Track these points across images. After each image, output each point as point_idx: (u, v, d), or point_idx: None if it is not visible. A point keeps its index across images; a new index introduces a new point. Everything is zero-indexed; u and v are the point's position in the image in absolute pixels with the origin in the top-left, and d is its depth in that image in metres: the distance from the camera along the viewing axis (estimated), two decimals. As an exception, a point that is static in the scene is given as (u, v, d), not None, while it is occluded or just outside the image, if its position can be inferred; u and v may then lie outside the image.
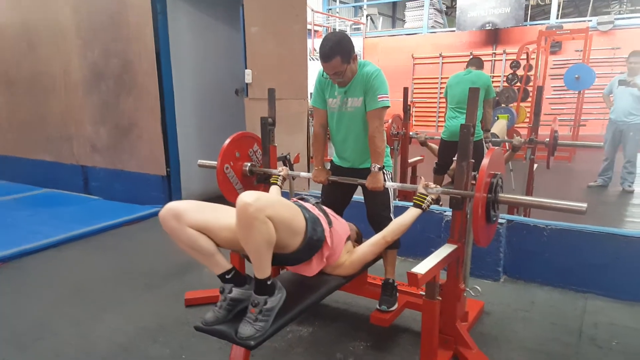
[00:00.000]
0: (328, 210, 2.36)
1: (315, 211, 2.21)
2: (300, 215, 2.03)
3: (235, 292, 1.93)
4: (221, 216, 1.97)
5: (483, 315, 2.92)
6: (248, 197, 1.73)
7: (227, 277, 1.96)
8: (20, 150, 6.41)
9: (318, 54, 2.38)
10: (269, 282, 1.88)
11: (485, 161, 2.12)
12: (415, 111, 11.69)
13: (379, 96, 2.42)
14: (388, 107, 2.46)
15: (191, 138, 5.29)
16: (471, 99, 2.29)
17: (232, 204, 2.91)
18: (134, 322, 2.85)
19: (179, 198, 5.18)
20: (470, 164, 2.27)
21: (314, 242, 2.08)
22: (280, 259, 2.06)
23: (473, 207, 2.12)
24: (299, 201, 2.28)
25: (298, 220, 2.01)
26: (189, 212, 1.91)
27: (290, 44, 4.05)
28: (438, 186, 2.36)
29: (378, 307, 2.58)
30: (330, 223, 2.24)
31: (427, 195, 2.33)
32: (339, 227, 2.31)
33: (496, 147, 2.28)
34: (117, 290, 3.31)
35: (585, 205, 2.06)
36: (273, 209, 1.80)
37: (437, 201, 2.39)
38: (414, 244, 3.50)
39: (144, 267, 3.71)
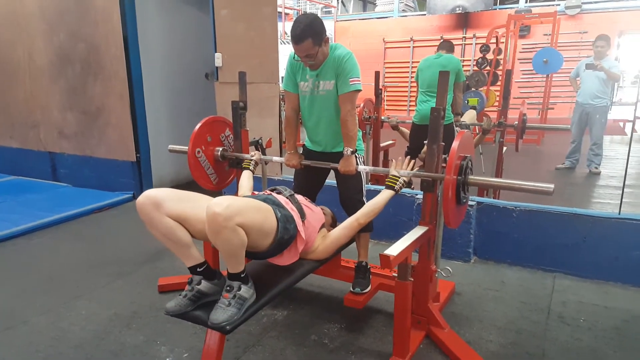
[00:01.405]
0: (302, 200, 2.36)
1: (289, 206, 2.20)
2: (271, 216, 2.01)
3: (204, 285, 1.93)
4: (199, 207, 1.93)
5: (454, 295, 2.99)
6: (217, 206, 1.70)
7: (198, 269, 1.96)
8: (-16, 137, 6.21)
9: (289, 37, 2.36)
10: (242, 275, 1.89)
11: (455, 144, 2.15)
12: (387, 95, 11.70)
13: (350, 79, 2.41)
14: (360, 90, 2.46)
15: (161, 123, 5.22)
16: (441, 83, 2.31)
17: (204, 190, 2.91)
18: (107, 309, 2.82)
19: (150, 184, 5.12)
20: (441, 146, 2.29)
21: (284, 241, 2.09)
22: (252, 255, 2.09)
23: (443, 189, 2.15)
24: (272, 194, 2.27)
25: (269, 222, 1.99)
26: (168, 201, 1.89)
27: (260, 27, 3.99)
28: (409, 169, 2.38)
29: (352, 290, 2.60)
30: (303, 216, 2.24)
31: (399, 177, 2.36)
32: (312, 218, 2.32)
33: (466, 131, 2.30)
34: (89, 277, 3.27)
35: (552, 186, 2.11)
36: (243, 217, 1.77)
37: (408, 184, 2.41)
38: (386, 227, 3.54)
39: (116, 253, 3.66)
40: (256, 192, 2.37)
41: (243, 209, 1.80)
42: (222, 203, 1.71)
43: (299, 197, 2.38)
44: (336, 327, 2.62)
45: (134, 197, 5.07)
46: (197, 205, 1.94)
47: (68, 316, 2.76)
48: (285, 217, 2.10)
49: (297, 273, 2.25)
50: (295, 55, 2.44)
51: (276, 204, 2.14)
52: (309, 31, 2.29)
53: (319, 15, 12.59)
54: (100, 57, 4.89)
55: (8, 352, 2.43)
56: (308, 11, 12.93)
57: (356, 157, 2.55)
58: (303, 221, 2.22)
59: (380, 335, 2.55)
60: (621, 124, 8.80)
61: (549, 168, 6.48)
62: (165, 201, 1.88)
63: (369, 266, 2.70)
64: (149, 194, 1.89)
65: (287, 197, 2.27)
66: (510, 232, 3.36)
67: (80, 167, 5.39)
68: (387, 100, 11.50)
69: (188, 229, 1.95)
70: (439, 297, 2.75)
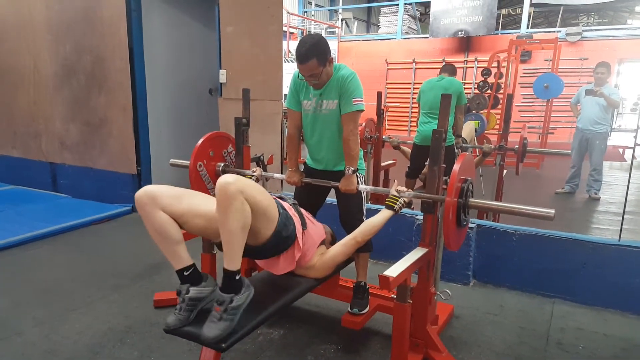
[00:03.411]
0: (305, 213, 2.36)
1: (291, 211, 2.21)
2: (274, 205, 2.05)
3: (193, 291, 1.92)
4: (196, 203, 1.99)
5: (453, 318, 2.96)
6: (229, 177, 1.77)
7: (185, 273, 1.96)
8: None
9: (294, 56, 2.38)
10: (237, 277, 1.85)
11: (456, 166, 2.15)
12: (388, 115, 11.80)
13: (353, 100, 2.43)
14: (362, 110, 2.48)
15: (163, 137, 5.22)
16: (443, 106, 2.33)
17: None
18: (101, 323, 2.79)
19: (150, 198, 5.09)
20: (442, 168, 2.30)
21: (282, 238, 2.08)
22: (249, 251, 2.02)
23: (444, 211, 2.14)
24: (277, 199, 2.27)
25: (272, 208, 2.01)
26: (164, 196, 1.92)
27: (265, 44, 4.04)
28: (410, 190, 2.39)
29: (349, 310, 2.58)
30: (304, 225, 2.24)
31: (399, 198, 2.35)
32: (313, 232, 2.32)
33: (467, 153, 2.31)
34: (85, 290, 3.24)
35: (552, 211, 2.10)
36: (251, 191, 1.82)
37: (408, 204, 2.41)
38: (385, 247, 3.53)
39: (113, 266, 3.64)
40: None
41: (251, 186, 1.86)
42: (233, 176, 1.79)
43: (303, 210, 2.38)
44: (333, 348, 2.59)
45: (133, 210, 5.05)
46: (194, 202, 1.99)
47: (62, 329, 2.73)
48: (286, 215, 2.11)
49: (295, 291, 2.23)
50: (300, 75, 2.46)
51: (280, 204, 2.15)
52: (314, 51, 2.32)
53: (323, 35, 12.78)
54: (105, 69, 4.92)
55: (-1, 365, 2.40)
56: (312, 31, 13.09)
57: (357, 176, 2.56)
58: (303, 230, 2.23)
59: (378, 357, 2.51)
60: (620, 150, 8.85)
61: (549, 192, 6.49)
62: (161, 196, 1.92)
63: (367, 287, 2.69)
64: (147, 188, 1.93)
65: (290, 205, 2.28)
66: (510, 256, 3.35)
67: (80, 178, 5.38)
68: (388, 121, 11.58)
69: (184, 226, 1.98)
70: (438, 320, 2.72)
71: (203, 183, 2.92)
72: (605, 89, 5.71)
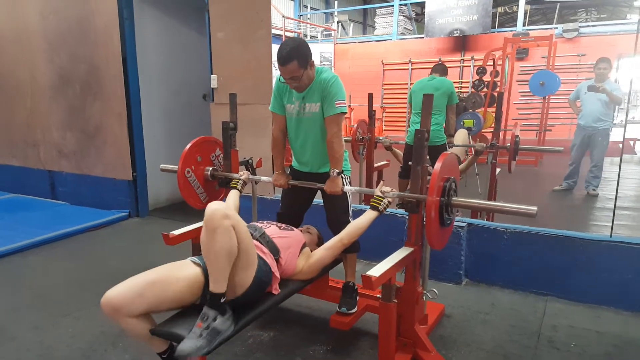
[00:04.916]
0: (275, 232, 2.38)
1: (259, 249, 2.20)
2: (254, 250, 2.07)
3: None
4: (166, 289, 1.92)
5: (443, 318, 2.97)
6: (218, 204, 1.86)
7: (163, 356, 2.07)
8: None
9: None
10: (222, 300, 1.88)
11: (437, 165, 2.16)
12: (386, 116, 11.80)
13: (336, 102, 2.45)
14: (345, 112, 2.50)
15: (158, 143, 5.27)
16: (425, 106, 2.35)
17: (194, 209, 2.93)
18: (94, 327, 2.82)
19: (145, 203, 5.18)
20: (426, 168, 2.31)
21: (262, 283, 2.11)
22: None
23: (426, 211, 2.16)
24: None
25: (253, 251, 2.04)
26: (126, 305, 1.84)
27: (255, 49, 4.06)
28: (394, 190, 2.40)
29: (338, 309, 2.60)
30: (277, 253, 2.27)
31: (383, 198, 2.37)
32: (287, 251, 2.34)
33: (450, 152, 2.32)
34: (80, 295, 3.27)
35: (535, 208, 2.10)
36: (237, 221, 1.90)
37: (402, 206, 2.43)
38: (377, 247, 3.50)
39: (108, 272, 3.67)
40: None
41: (239, 218, 1.94)
42: (219, 205, 1.86)
43: (271, 229, 2.40)
44: (322, 349, 2.60)
45: (130, 216, 5.11)
46: (164, 287, 1.91)
47: (55, 334, 2.76)
48: (261, 270, 2.10)
49: (281, 293, 2.26)
50: (282, 78, 2.48)
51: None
52: (294, 54, 2.33)
53: (319, 38, 12.82)
54: (99, 78, 4.96)
55: (-7, 370, 2.44)
56: (308, 34, 13.12)
57: (342, 177, 2.58)
58: (277, 258, 2.25)
59: (367, 357, 2.53)
60: (631, 142, 8.84)
61: (546, 190, 6.47)
62: (123, 306, 1.84)
63: (356, 287, 2.70)
64: (106, 299, 1.85)
65: (257, 239, 2.26)
66: (502, 254, 3.35)
67: (78, 185, 5.43)
68: (385, 121, 11.58)
69: (162, 308, 1.94)
70: (427, 320, 2.73)
71: (192, 188, 2.95)
72: (607, 84, 5.63)
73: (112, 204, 5.15)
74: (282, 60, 2.35)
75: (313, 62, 2.44)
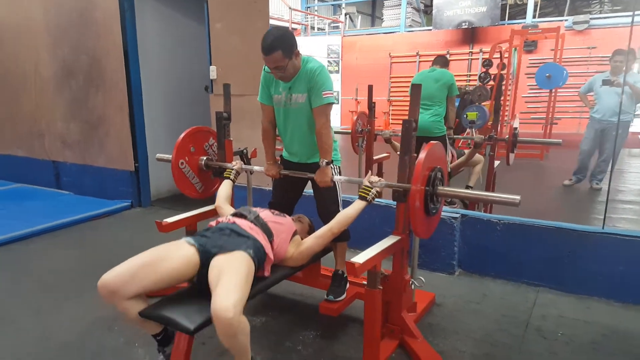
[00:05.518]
0: (269, 217, 2.42)
1: (254, 231, 2.25)
2: (250, 262, 2.06)
3: (169, 349, 2.11)
4: (159, 270, 1.98)
5: (434, 307, 3.00)
6: (226, 312, 1.71)
7: (157, 337, 2.15)
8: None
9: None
10: None
11: (422, 155, 2.18)
12: (392, 109, 11.76)
13: (323, 93, 2.44)
14: (333, 103, 2.50)
15: (160, 134, 5.32)
16: (413, 96, 2.36)
17: (196, 200, 2.94)
18: (92, 312, 2.89)
19: (148, 193, 5.24)
20: (413, 158, 2.32)
21: (257, 263, 2.14)
22: None
23: (410, 200, 2.18)
24: (236, 221, 2.30)
25: (251, 268, 2.05)
26: (122, 286, 1.90)
27: (253, 40, 4.08)
28: (382, 179, 2.42)
29: (326, 297, 2.64)
30: (270, 235, 2.31)
31: (372, 188, 2.40)
32: (281, 232, 2.39)
33: (435, 142, 2.33)
34: (80, 282, 3.34)
35: (518, 197, 2.11)
36: (244, 300, 1.85)
37: (380, 194, 2.46)
38: (371, 237, 3.53)
39: (109, 260, 3.62)
40: (221, 220, 2.37)
41: (243, 291, 1.88)
42: (229, 307, 1.72)
43: (265, 214, 2.44)
44: (312, 335, 2.65)
45: (132, 206, 5.18)
46: (160, 267, 1.97)
47: (55, 318, 2.84)
48: (257, 248, 2.16)
49: (271, 278, 2.31)
50: (267, 67, 2.48)
51: (243, 235, 2.19)
52: (278, 43, 2.32)
53: (327, 30, 12.81)
54: (101, 69, 5.03)
55: (-8, 351, 2.52)
56: (316, 27, 13.10)
57: (332, 167, 2.60)
58: (271, 241, 2.30)
59: (355, 343, 2.57)
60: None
61: (550, 183, 6.41)
62: (120, 287, 1.90)
63: (345, 275, 2.73)
64: (105, 282, 1.90)
65: (251, 221, 2.31)
66: (495, 245, 3.36)
67: (81, 175, 5.52)
68: (392, 114, 11.54)
69: (159, 288, 2.01)
70: (416, 308, 2.77)
71: (187, 179, 2.99)
72: (630, 77, 5.41)
73: (115, 194, 5.23)
74: (266, 50, 2.34)
75: (298, 51, 2.43)
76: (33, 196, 5.52)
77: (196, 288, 2.10)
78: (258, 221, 2.34)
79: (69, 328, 2.73)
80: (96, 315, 2.84)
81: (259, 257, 2.15)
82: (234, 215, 2.41)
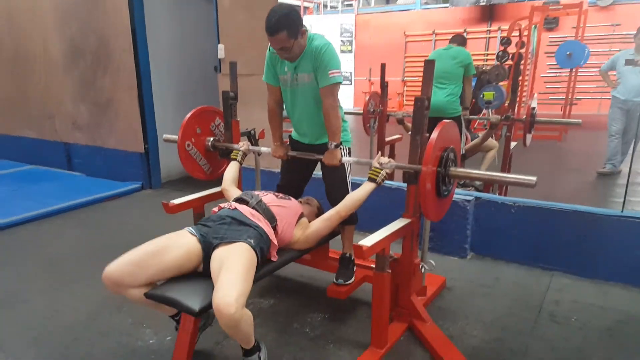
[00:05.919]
0: (272, 201, 2.37)
1: (255, 217, 2.20)
2: (252, 254, 2.02)
3: None
4: (163, 261, 1.98)
5: (444, 290, 2.95)
6: (229, 307, 1.69)
7: (175, 318, 2.20)
8: (4, 127, 6.43)
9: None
10: (255, 345, 2.01)
11: (434, 134, 2.09)
12: (407, 90, 11.56)
13: (329, 72, 2.32)
14: (340, 82, 2.38)
15: (169, 115, 5.27)
16: (426, 72, 2.28)
17: (200, 181, 2.92)
18: (101, 293, 2.86)
19: (158, 174, 5.23)
20: (425, 138, 2.24)
21: (261, 251, 2.11)
22: None
23: (420, 181, 2.11)
24: (237, 208, 2.25)
25: (254, 260, 2.01)
26: (125, 278, 1.92)
27: (262, 17, 3.94)
28: (392, 160, 2.34)
29: (335, 281, 2.59)
30: (273, 220, 2.26)
31: (381, 170, 2.33)
32: (285, 216, 2.35)
33: (448, 121, 2.24)
34: (90, 262, 3.33)
35: (534, 178, 2.02)
36: (246, 293, 1.82)
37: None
38: (383, 221, 3.49)
39: (119, 241, 3.73)
40: (223, 206, 2.33)
41: (245, 283, 1.84)
42: (231, 302, 1.69)
43: (268, 197, 2.38)
44: (319, 317, 2.62)
45: (143, 188, 5.18)
46: (162, 257, 1.98)
47: (64, 298, 2.87)
48: (258, 236, 2.12)
49: (278, 260, 2.28)
50: (272, 47, 2.38)
51: (244, 223, 2.14)
52: (284, 23, 2.20)
53: (340, 8, 12.57)
54: (109, 50, 4.98)
55: (3, 329, 2.55)
56: (329, 5, 12.88)
57: (341, 149, 2.52)
58: (274, 226, 2.25)
59: (362, 326, 2.53)
60: None
61: (569, 166, 6.21)
62: (124, 279, 1.92)
63: (353, 258, 2.68)
64: (108, 274, 1.92)
65: (253, 207, 2.26)
66: (509, 228, 3.28)
67: (92, 157, 5.52)
68: (406, 95, 11.35)
69: (163, 277, 2.01)
70: (425, 291, 2.72)
71: (194, 161, 2.94)
72: None
73: (125, 176, 5.22)
74: (271, 30, 2.22)
75: (304, 30, 2.31)
76: (45, 178, 5.54)
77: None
78: (260, 206, 2.28)
79: (78, 308, 2.75)
80: (105, 296, 2.84)
81: (261, 245, 2.10)
82: (236, 200, 2.36)
